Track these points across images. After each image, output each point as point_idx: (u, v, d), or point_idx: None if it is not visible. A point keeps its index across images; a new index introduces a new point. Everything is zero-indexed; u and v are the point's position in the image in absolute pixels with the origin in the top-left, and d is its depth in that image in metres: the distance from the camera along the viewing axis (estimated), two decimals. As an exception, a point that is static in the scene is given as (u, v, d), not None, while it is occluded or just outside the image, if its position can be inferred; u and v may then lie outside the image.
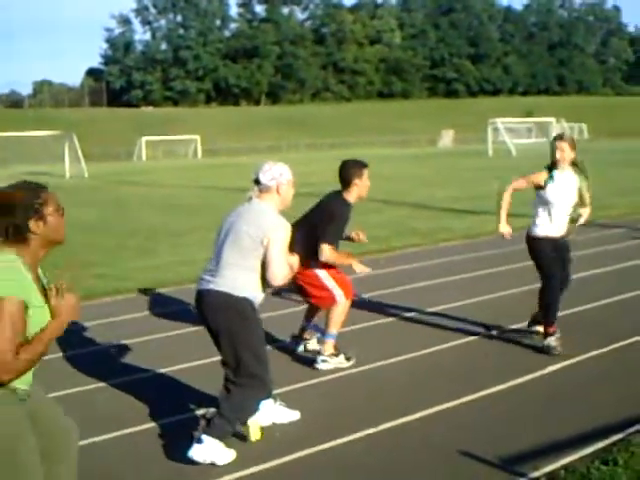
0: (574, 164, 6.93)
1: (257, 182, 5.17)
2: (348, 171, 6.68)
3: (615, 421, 5.32)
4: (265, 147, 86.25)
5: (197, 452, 4.84)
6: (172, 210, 22.01)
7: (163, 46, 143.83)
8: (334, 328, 6.76)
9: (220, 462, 4.86)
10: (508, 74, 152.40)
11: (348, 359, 6.81)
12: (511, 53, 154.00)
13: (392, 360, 6.97)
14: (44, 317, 3.29)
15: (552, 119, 69.58)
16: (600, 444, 4.94)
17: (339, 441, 5.18)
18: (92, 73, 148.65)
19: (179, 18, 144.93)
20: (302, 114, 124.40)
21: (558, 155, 6.80)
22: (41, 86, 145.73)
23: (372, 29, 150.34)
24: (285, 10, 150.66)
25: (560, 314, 7.12)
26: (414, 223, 16.65)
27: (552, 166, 6.89)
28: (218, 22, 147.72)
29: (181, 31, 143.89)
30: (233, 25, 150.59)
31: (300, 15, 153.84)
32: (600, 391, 6.02)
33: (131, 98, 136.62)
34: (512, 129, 69.12)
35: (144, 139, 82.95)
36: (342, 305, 6.71)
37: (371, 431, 5.33)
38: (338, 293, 6.67)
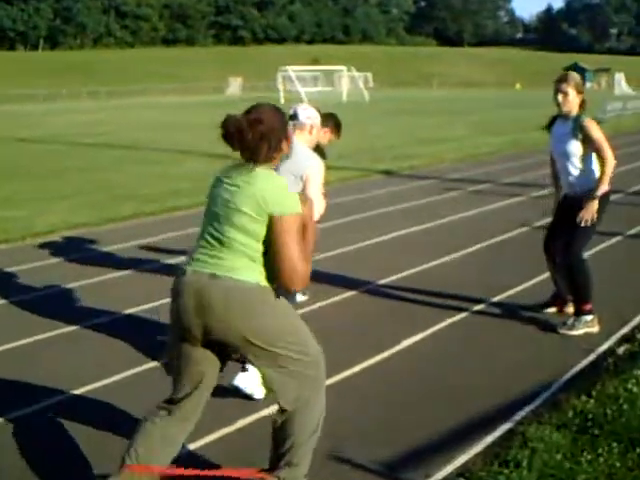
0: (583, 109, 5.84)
1: (293, 117, 5.20)
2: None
3: (495, 406, 4.63)
4: (43, 94, 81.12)
5: (241, 380, 4.74)
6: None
7: None
8: None
9: (258, 396, 4.73)
10: (294, 22, 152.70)
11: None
12: (296, 1, 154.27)
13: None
14: None
15: (343, 67, 70.06)
16: (489, 438, 4.22)
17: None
18: None
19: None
20: (83, 60, 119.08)
21: (560, 99, 5.77)
22: None
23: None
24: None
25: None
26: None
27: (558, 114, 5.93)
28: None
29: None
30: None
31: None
32: (468, 368, 5.34)
33: None
34: (300, 77, 68.93)
35: None
36: None
37: (226, 431, 4.37)
38: None
